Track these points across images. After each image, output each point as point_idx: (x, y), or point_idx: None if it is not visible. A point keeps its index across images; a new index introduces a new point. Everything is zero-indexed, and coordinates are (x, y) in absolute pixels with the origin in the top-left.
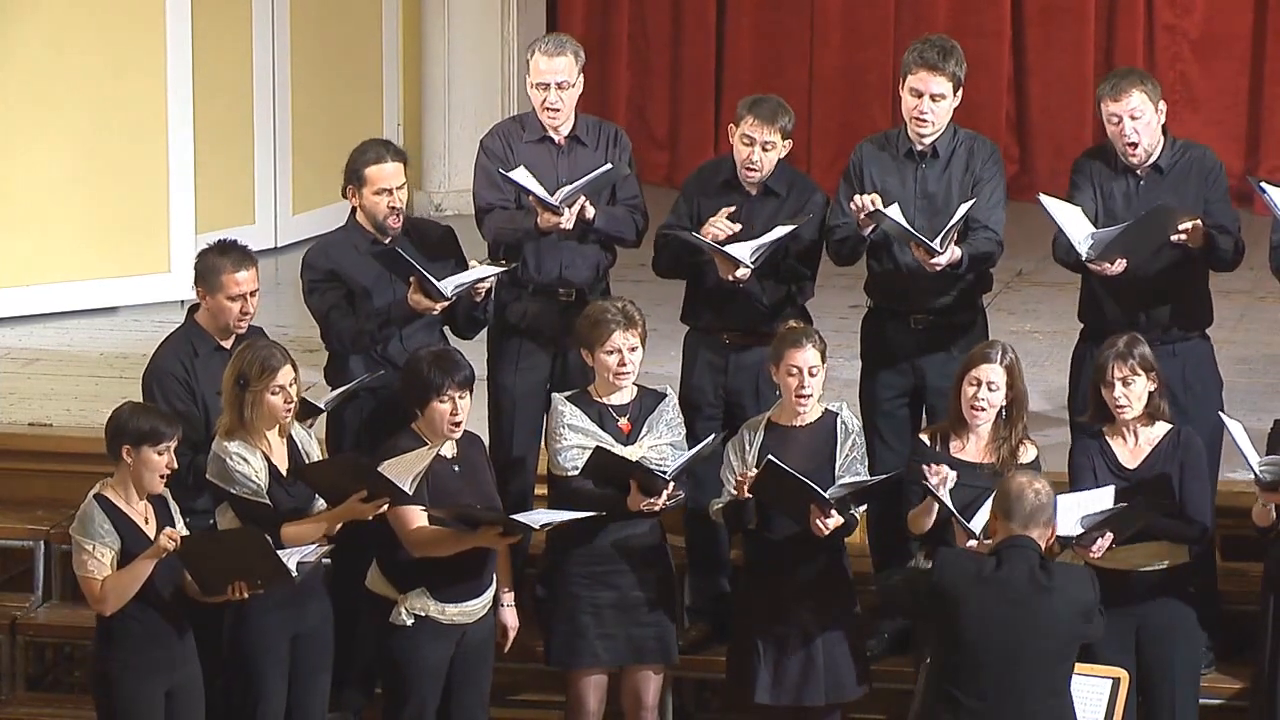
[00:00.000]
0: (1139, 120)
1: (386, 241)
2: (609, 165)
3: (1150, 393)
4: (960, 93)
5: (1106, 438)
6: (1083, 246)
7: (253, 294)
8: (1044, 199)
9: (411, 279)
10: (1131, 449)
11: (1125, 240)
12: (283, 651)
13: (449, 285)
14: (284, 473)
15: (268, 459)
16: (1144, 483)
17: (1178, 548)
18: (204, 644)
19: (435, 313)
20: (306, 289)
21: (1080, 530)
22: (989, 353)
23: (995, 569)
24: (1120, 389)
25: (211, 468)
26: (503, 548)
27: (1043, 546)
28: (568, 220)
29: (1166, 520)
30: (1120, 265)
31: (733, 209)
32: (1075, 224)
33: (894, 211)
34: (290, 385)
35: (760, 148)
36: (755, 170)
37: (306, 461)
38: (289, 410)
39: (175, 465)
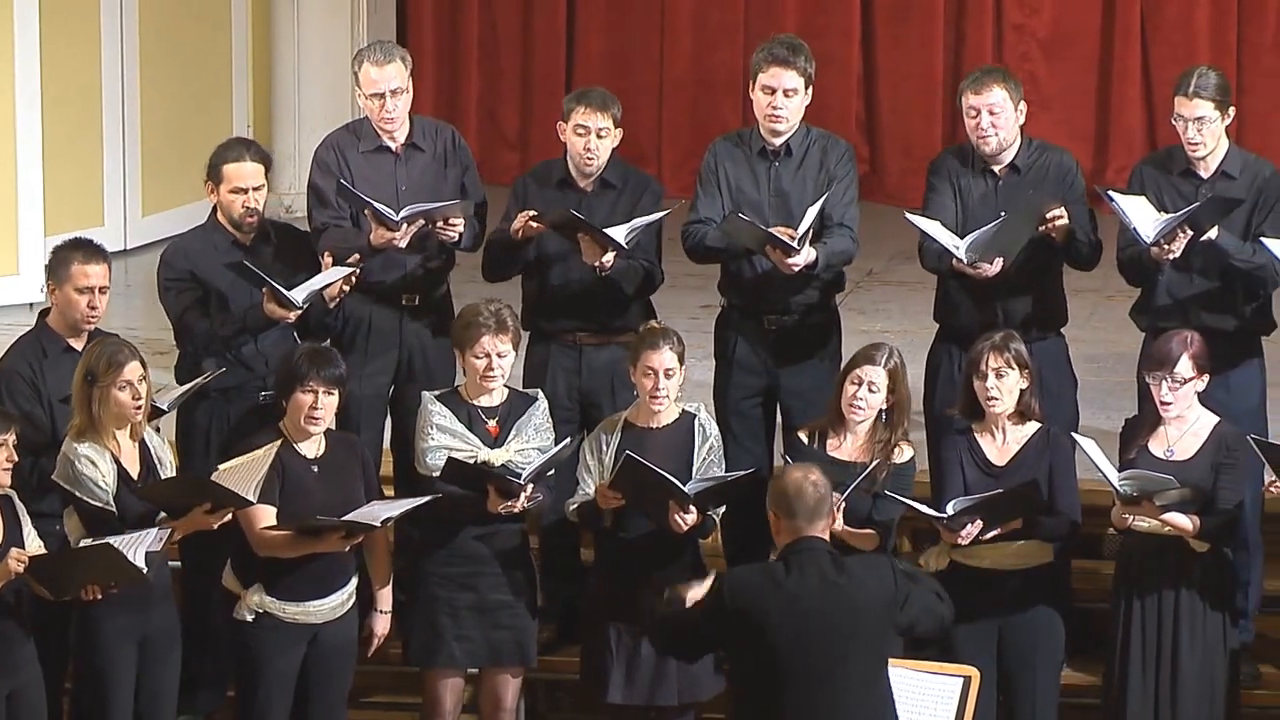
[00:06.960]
0: (997, 116)
1: (245, 242)
2: (458, 200)
3: (1022, 390)
4: (810, 90)
5: (975, 434)
6: (960, 251)
7: (102, 290)
8: (910, 216)
9: (264, 290)
10: (1000, 447)
11: (999, 239)
12: (130, 655)
13: (300, 294)
14: (134, 476)
15: (118, 462)
16: (1012, 488)
17: (1044, 548)
18: (49, 645)
19: (290, 320)
20: (162, 287)
21: (951, 511)
22: (873, 354)
23: (786, 575)
24: (993, 380)
25: (59, 470)
26: (382, 552)
27: (827, 537)
28: (402, 239)
29: (1041, 518)
30: (998, 265)
31: (534, 212)
32: (944, 233)
33: (748, 217)
34: (139, 382)
35: (595, 135)
36: (593, 159)
37: (158, 465)
38: (138, 408)
39: (15, 459)
